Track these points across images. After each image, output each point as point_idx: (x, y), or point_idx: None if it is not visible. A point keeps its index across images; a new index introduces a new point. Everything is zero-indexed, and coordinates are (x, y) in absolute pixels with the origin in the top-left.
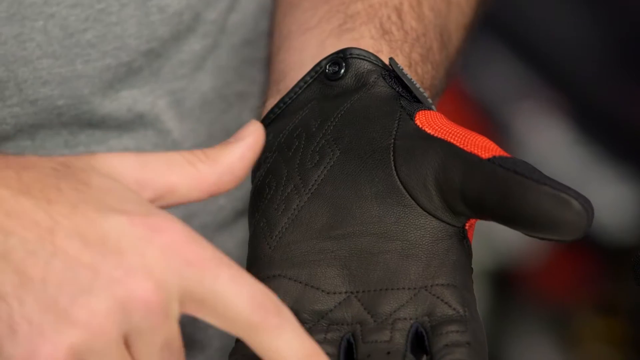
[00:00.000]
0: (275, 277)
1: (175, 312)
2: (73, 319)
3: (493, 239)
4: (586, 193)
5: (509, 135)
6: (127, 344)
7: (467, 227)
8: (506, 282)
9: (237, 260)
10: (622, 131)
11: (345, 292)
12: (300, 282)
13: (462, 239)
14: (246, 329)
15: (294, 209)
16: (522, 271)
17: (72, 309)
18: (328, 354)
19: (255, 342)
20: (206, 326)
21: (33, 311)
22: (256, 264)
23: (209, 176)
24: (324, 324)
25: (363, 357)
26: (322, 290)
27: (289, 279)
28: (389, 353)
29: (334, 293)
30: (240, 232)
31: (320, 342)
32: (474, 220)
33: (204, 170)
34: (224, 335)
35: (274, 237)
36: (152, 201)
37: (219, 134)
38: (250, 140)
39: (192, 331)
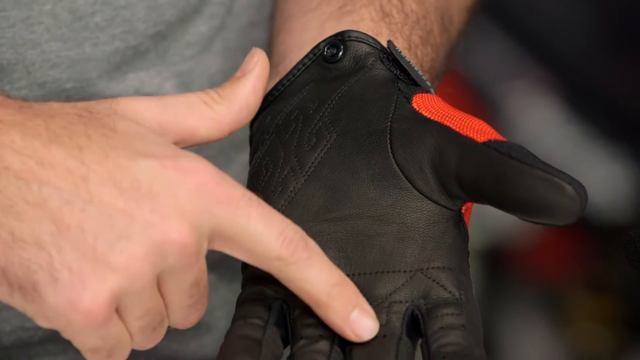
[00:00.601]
0: None
1: (204, 250)
2: (112, 264)
3: (485, 218)
4: (578, 172)
5: (500, 114)
6: (159, 282)
7: (463, 211)
8: (498, 261)
9: None
10: (614, 110)
11: None
12: None
13: (459, 222)
14: (275, 263)
15: (291, 191)
16: (513, 250)
17: (110, 254)
18: (323, 336)
19: (284, 275)
20: (213, 308)
21: (72, 258)
22: None
23: (226, 116)
24: None
25: None
26: None
27: None
28: (384, 336)
29: None
30: None
31: (315, 325)
32: (470, 203)
33: (221, 110)
34: (231, 316)
35: None
36: (175, 143)
37: None
38: (258, 71)
39: None
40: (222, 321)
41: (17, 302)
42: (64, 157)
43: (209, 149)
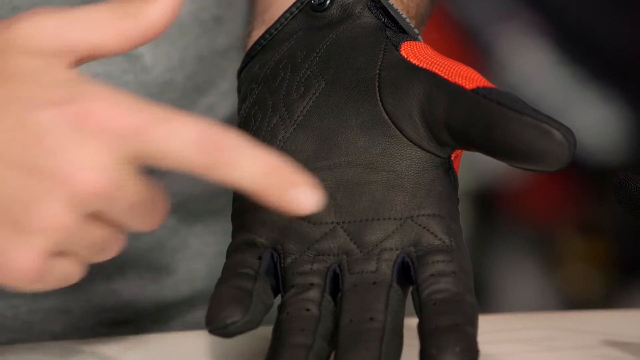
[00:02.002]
0: (261, 209)
1: (130, 175)
2: (33, 227)
3: (475, 160)
4: (569, 114)
5: (491, 57)
6: (95, 216)
7: (452, 158)
8: (488, 203)
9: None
10: (605, 52)
11: (332, 223)
12: None
13: (448, 170)
14: (203, 171)
15: (280, 140)
16: (504, 192)
17: (27, 217)
18: (314, 284)
19: (217, 179)
20: (173, 251)
21: None
22: (243, 195)
23: (133, 32)
24: (310, 255)
25: (349, 288)
26: (308, 221)
27: None
28: (375, 283)
29: (320, 224)
30: None
31: (306, 273)
32: (459, 150)
33: (128, 25)
34: (191, 259)
35: None
36: (76, 61)
37: (191, 60)
38: None
39: (158, 256)
40: (182, 263)
41: None
42: None
43: (171, 92)
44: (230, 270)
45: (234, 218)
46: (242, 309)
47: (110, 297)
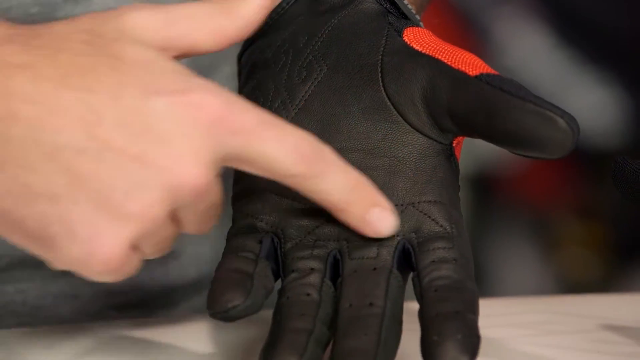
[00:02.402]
0: (262, 194)
1: (218, 177)
2: (127, 214)
3: (473, 145)
4: (566, 97)
5: (489, 41)
6: (173, 212)
7: (454, 145)
8: (487, 186)
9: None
10: (602, 35)
11: None
12: (287, 198)
13: (450, 156)
14: (292, 180)
15: None
16: (502, 176)
17: (125, 204)
18: (314, 269)
19: (302, 189)
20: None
21: (88, 210)
22: (244, 178)
23: (229, 31)
24: (311, 240)
25: (349, 273)
26: (309, 206)
27: (276, 194)
28: (375, 269)
29: (321, 209)
30: None
31: (306, 258)
32: (461, 137)
33: (224, 24)
34: (197, 242)
35: None
36: (176, 57)
37: None
38: None
39: None
40: (188, 247)
41: (33, 249)
42: (74, 103)
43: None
44: (231, 254)
45: (235, 202)
46: (243, 292)
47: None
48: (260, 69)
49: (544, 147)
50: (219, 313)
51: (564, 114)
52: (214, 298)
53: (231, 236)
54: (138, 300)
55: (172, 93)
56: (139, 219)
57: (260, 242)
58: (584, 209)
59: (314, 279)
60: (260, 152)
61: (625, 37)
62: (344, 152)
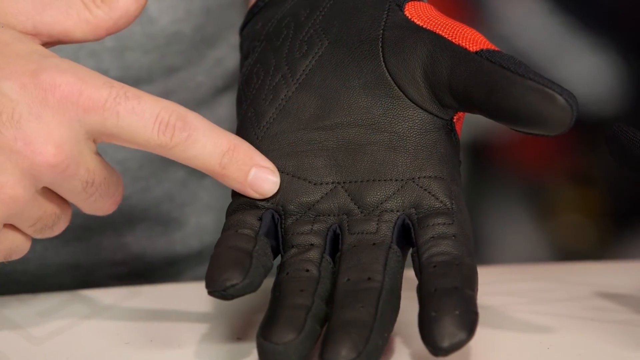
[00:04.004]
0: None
1: (88, 152)
2: None
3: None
4: (561, 64)
5: (484, 6)
6: (50, 190)
7: (455, 120)
8: (481, 154)
9: None
10: (597, 0)
11: (332, 183)
12: (287, 174)
13: (450, 132)
14: (160, 149)
15: (282, 99)
16: (497, 144)
17: None
18: (314, 245)
19: (173, 157)
20: (182, 204)
21: None
22: None
23: (104, 22)
24: (311, 215)
25: (348, 248)
26: (309, 181)
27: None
28: (374, 244)
29: (321, 184)
30: (220, 109)
31: (306, 233)
32: (462, 113)
33: (100, 15)
34: (200, 212)
35: (262, 127)
36: (47, 44)
37: (198, 11)
38: None
39: (169, 209)
40: (192, 217)
41: None
42: None
43: (178, 44)
44: (230, 231)
45: None
46: (241, 271)
47: (120, 250)
48: (261, 42)
49: (543, 124)
50: (217, 291)
51: (563, 91)
52: (212, 276)
53: (231, 212)
54: (141, 270)
55: (21, 74)
56: (1, 201)
57: (260, 218)
58: (579, 176)
59: (314, 254)
60: (118, 126)
61: (619, 3)
62: (344, 126)
